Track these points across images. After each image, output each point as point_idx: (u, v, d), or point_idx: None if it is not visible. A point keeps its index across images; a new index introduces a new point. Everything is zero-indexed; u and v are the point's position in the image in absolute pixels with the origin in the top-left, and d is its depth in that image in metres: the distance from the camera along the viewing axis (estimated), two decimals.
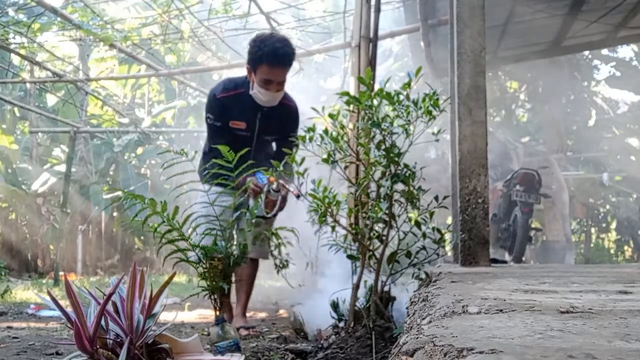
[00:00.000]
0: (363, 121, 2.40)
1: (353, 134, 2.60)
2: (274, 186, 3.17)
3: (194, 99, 13.73)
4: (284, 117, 3.45)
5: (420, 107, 2.28)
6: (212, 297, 2.47)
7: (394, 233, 2.44)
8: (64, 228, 9.55)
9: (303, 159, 2.42)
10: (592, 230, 12.99)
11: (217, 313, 2.44)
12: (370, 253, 2.48)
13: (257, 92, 3.28)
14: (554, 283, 1.83)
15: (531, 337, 0.93)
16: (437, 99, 2.27)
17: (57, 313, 1.47)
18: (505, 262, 6.07)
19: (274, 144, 3.66)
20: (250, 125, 3.39)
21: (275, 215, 3.35)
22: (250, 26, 8.23)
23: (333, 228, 2.44)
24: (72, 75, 8.84)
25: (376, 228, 2.48)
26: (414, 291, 2.21)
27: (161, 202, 2.46)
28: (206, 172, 3.16)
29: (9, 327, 3.65)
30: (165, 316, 1.59)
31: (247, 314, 3.71)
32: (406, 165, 2.36)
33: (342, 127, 2.42)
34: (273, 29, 7.44)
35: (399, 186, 2.38)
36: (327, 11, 8.56)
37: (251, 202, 3.04)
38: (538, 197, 7.16)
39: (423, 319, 1.28)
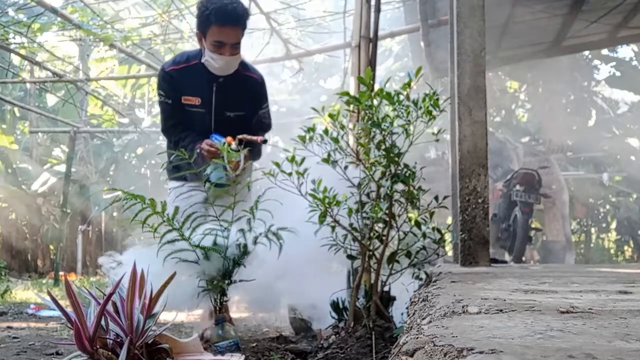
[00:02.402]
0: (363, 121, 2.40)
1: (353, 134, 2.60)
2: (233, 146, 2.84)
3: None
4: (246, 89, 3.11)
5: (420, 107, 2.28)
6: (212, 297, 2.46)
7: (394, 233, 2.44)
8: (64, 228, 9.55)
9: (303, 159, 2.42)
10: (592, 230, 12.99)
11: (217, 313, 2.44)
12: (370, 253, 2.48)
13: (209, 59, 2.96)
14: (554, 283, 1.83)
15: (531, 337, 0.93)
16: (437, 99, 2.27)
17: (57, 313, 1.47)
18: (505, 262, 6.08)
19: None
20: (205, 101, 3.05)
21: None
22: (250, 26, 8.23)
23: (333, 228, 2.43)
24: (72, 75, 8.83)
25: (376, 228, 2.48)
26: (414, 291, 2.21)
27: (161, 202, 2.46)
28: (171, 167, 3.04)
29: (9, 327, 3.65)
30: (165, 316, 1.59)
31: (247, 314, 3.69)
32: (406, 165, 2.36)
33: (342, 127, 2.42)
34: (273, 29, 7.45)
35: (399, 186, 2.38)
36: (327, 11, 8.56)
37: (209, 169, 2.75)
38: (538, 197, 7.17)
39: (423, 319, 1.28)
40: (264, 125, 3.26)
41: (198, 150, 2.84)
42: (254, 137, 2.94)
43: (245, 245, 2.46)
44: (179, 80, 3.04)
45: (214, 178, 2.75)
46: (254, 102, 3.15)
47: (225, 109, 3.08)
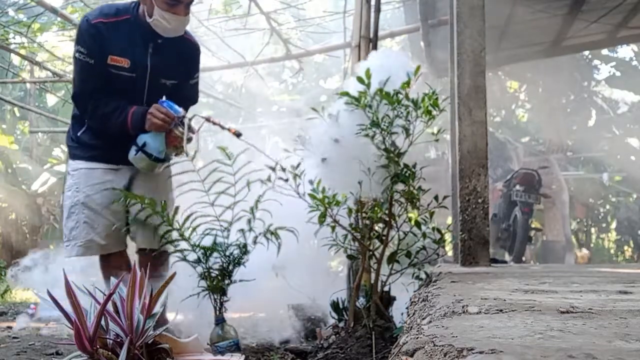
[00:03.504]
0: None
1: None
2: (190, 121, 2.57)
3: None
4: (184, 54, 2.72)
5: (420, 107, 2.28)
6: (212, 297, 2.46)
7: (394, 233, 2.44)
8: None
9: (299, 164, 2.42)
10: (592, 230, 12.99)
11: (217, 313, 2.44)
12: (370, 253, 2.48)
13: (160, 19, 2.53)
14: (554, 283, 1.83)
15: (531, 337, 0.93)
16: (437, 99, 2.27)
17: (57, 313, 1.47)
18: (505, 262, 6.08)
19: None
20: (137, 64, 2.59)
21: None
22: (250, 26, 8.24)
23: (333, 228, 2.43)
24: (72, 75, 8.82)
25: (376, 228, 2.48)
26: (414, 291, 2.21)
27: (161, 202, 2.46)
28: (77, 141, 2.71)
29: (9, 327, 3.65)
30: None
31: (247, 314, 3.65)
32: (406, 165, 2.36)
33: None
34: (273, 29, 7.45)
35: (399, 186, 2.38)
36: (327, 11, 8.56)
37: (149, 138, 2.51)
38: (538, 197, 7.17)
39: (423, 319, 1.28)
40: (192, 99, 2.89)
41: (144, 117, 2.53)
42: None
43: (245, 245, 2.46)
44: (107, 37, 2.54)
45: (154, 150, 2.54)
46: (188, 71, 2.77)
47: (162, 76, 2.66)
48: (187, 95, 2.81)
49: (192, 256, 2.40)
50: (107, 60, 2.54)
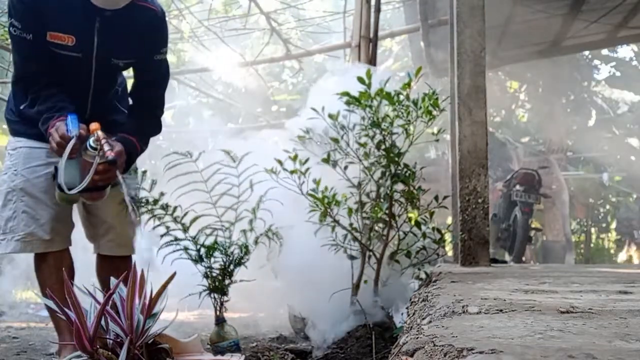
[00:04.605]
0: (363, 121, 2.40)
1: (353, 134, 2.60)
2: (91, 140, 1.94)
3: (193, 99, 13.73)
4: (141, 26, 2.17)
5: (420, 107, 2.28)
6: (213, 296, 2.45)
7: (394, 233, 2.44)
8: None
9: (307, 159, 2.41)
10: (592, 230, 12.99)
11: (218, 313, 2.43)
12: (370, 253, 2.48)
13: None
14: (554, 283, 1.83)
15: (531, 337, 0.93)
16: (437, 99, 2.28)
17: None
18: (505, 262, 6.08)
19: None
20: (83, 41, 2.11)
21: (99, 191, 2.06)
22: (250, 26, 8.25)
23: (333, 228, 2.43)
24: None
25: (376, 228, 2.48)
26: (414, 291, 2.21)
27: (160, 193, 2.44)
28: (18, 114, 2.22)
29: (9, 327, 3.65)
30: (165, 316, 1.59)
31: (247, 314, 3.65)
32: (406, 165, 2.37)
33: (342, 127, 2.42)
34: (273, 29, 7.45)
35: (399, 186, 2.38)
36: (327, 11, 8.56)
37: (60, 164, 1.95)
38: (538, 197, 7.17)
39: (423, 319, 1.28)
40: (159, 79, 2.33)
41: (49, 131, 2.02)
42: (113, 145, 1.98)
43: (247, 246, 2.45)
44: (44, 8, 2.06)
45: (63, 181, 1.96)
46: (150, 45, 2.22)
47: (112, 54, 2.18)
48: (152, 78, 2.29)
49: (191, 252, 2.39)
50: (46, 36, 2.07)
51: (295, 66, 9.91)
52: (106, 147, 1.91)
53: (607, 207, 12.84)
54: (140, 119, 2.24)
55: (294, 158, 2.40)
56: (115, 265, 2.26)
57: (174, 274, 1.65)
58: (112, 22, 2.11)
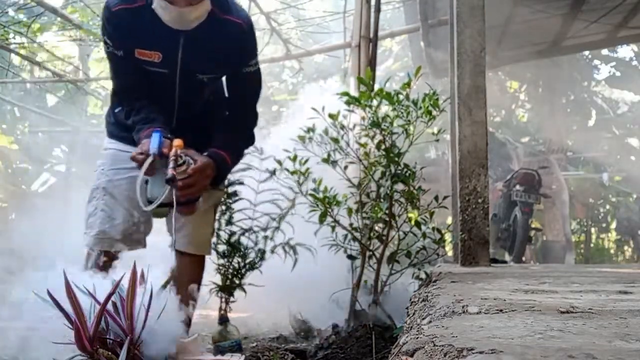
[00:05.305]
0: (363, 121, 2.40)
1: (353, 134, 2.61)
2: (172, 157, 1.89)
3: None
4: (225, 40, 2.13)
5: (420, 107, 2.28)
6: (220, 295, 2.46)
7: (394, 233, 2.44)
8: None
9: (307, 159, 2.42)
10: (592, 230, 12.99)
11: (222, 312, 2.44)
12: (370, 253, 2.48)
13: (158, 7, 2.04)
14: (554, 283, 1.83)
15: (531, 337, 0.93)
16: (437, 99, 2.28)
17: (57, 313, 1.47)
18: (505, 262, 6.08)
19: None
20: (169, 57, 2.12)
21: (186, 205, 2.02)
22: None
23: (333, 228, 2.44)
24: (72, 75, 8.83)
25: (376, 228, 2.48)
26: (414, 291, 2.21)
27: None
28: (113, 118, 2.32)
29: (9, 327, 3.64)
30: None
31: (247, 314, 3.64)
32: (406, 165, 2.37)
33: (342, 127, 2.42)
34: (273, 29, 7.45)
35: (399, 186, 2.38)
36: (327, 11, 8.56)
37: (140, 176, 1.91)
38: (538, 197, 7.16)
39: (423, 319, 1.28)
40: (250, 91, 2.29)
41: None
42: (194, 161, 1.96)
43: (264, 251, 2.44)
44: (131, 26, 2.08)
45: (154, 193, 1.94)
46: (237, 59, 2.18)
47: (197, 70, 2.17)
48: (241, 91, 2.27)
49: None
50: (134, 53, 2.11)
51: (295, 66, 9.91)
52: (177, 164, 1.89)
53: (607, 207, 12.84)
54: (231, 133, 2.22)
55: (294, 159, 2.41)
56: (185, 263, 2.22)
57: (174, 273, 1.64)
58: (196, 38, 2.10)
